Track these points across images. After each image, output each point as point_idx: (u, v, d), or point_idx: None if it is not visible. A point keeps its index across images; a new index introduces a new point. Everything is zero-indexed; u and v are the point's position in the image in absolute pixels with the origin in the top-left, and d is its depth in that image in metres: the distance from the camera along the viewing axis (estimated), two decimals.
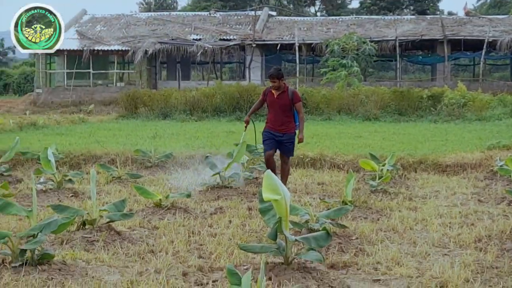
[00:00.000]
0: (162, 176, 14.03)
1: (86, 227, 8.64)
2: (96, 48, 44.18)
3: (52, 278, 6.69)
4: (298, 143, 11.87)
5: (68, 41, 45.10)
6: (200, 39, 44.50)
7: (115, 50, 44.57)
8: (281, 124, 11.51)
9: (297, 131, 11.90)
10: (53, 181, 12.00)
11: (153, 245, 8.28)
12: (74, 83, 44.06)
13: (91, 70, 44.14)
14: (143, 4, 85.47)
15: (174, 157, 15.26)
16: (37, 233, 7.06)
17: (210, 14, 51.32)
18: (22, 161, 15.46)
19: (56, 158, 13.30)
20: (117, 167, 13.92)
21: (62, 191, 12.01)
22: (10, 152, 13.63)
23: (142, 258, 7.71)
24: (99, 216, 8.57)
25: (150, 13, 56.02)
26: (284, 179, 11.41)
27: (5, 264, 7.00)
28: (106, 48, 44.57)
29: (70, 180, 12.48)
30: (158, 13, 56.49)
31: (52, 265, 7.03)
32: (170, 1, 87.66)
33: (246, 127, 12.26)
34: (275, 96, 11.43)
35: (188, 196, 10.59)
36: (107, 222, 8.64)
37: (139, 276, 6.93)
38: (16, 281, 6.52)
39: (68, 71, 44.35)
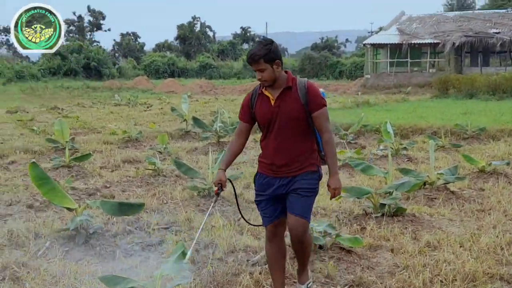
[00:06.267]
0: (478, 146, 13.27)
1: (426, 187, 8.41)
2: (412, 41, 43.46)
3: (406, 227, 6.63)
4: (331, 197, 4.38)
5: (390, 36, 45.22)
6: (499, 33, 41.64)
7: (427, 43, 43.40)
8: (291, 159, 4.30)
9: (321, 171, 4.52)
10: (392, 148, 11.79)
11: (482, 204, 7.82)
12: (394, 70, 44.05)
13: (408, 59, 43.72)
14: (447, 5, 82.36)
15: (487, 130, 14.40)
16: (393, 191, 7.00)
17: (508, 11, 47.93)
18: (363, 131, 15.55)
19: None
20: (440, 138, 13.43)
21: (398, 156, 11.83)
22: (357, 125, 13.82)
23: (475, 215, 7.30)
24: (437, 178, 8.27)
25: (456, 12, 53.74)
26: (302, 269, 4.68)
27: (368, 214, 7.05)
28: (420, 41, 43.62)
29: (404, 148, 12.31)
30: (463, 12, 53.99)
31: (405, 217, 6.95)
32: (470, 1, 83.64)
33: (217, 193, 4.36)
34: (272, 100, 4.31)
35: (508, 164, 9.86)
36: (443, 184, 8.31)
37: (477, 230, 6.59)
38: (379, 228, 6.55)
39: (390, 60, 44.43)
